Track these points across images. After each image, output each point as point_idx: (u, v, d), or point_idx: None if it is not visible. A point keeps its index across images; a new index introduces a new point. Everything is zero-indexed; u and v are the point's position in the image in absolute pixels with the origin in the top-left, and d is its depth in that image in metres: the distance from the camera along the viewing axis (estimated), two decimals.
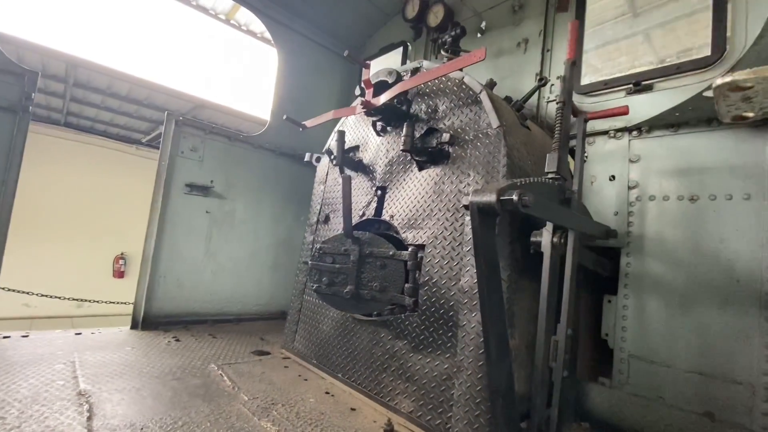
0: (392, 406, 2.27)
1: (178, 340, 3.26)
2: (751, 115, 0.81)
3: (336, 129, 3.26)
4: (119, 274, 11.65)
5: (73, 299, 9.09)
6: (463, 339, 2.04)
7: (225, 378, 2.57)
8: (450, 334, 2.12)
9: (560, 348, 1.85)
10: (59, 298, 8.79)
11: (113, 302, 9.79)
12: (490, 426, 1.80)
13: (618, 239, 2.47)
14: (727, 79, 0.72)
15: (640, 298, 2.40)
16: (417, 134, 2.56)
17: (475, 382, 1.92)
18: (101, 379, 2.36)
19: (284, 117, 3.16)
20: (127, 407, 2.06)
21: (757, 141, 2.12)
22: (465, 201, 1.62)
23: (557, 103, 2.06)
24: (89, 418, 1.91)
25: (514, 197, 1.45)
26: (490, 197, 1.51)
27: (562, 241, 1.93)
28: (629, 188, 2.51)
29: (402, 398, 2.25)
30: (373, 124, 2.90)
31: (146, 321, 3.51)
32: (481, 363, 1.92)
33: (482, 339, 1.93)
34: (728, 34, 2.19)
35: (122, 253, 11.71)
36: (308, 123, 3.16)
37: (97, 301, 9.58)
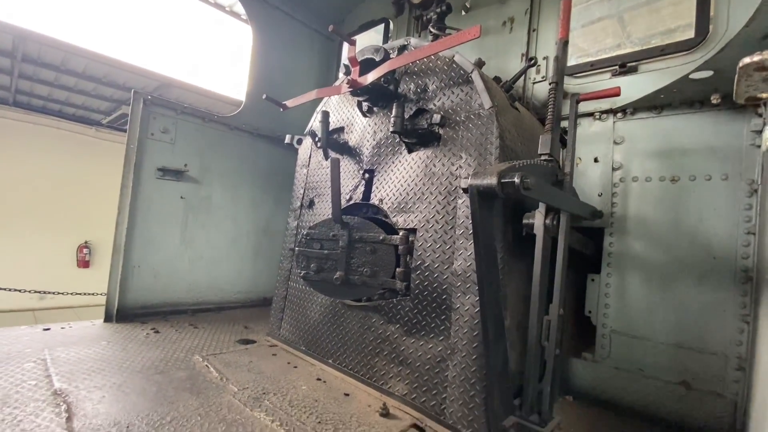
0: (386, 390, 2.28)
1: (157, 332, 3.12)
2: (764, 95, 0.81)
3: (318, 109, 3.13)
4: (84, 263, 11.07)
5: (35, 291, 8.57)
6: (456, 321, 2.05)
7: (211, 369, 2.49)
8: (443, 317, 2.12)
9: (553, 327, 1.89)
10: (18, 290, 8.26)
11: (79, 293, 9.32)
12: (485, 404, 1.83)
13: (602, 220, 2.53)
14: (756, 58, 0.72)
15: (622, 276, 2.49)
16: (406, 115, 2.49)
17: (469, 363, 1.94)
18: (77, 377, 2.22)
19: (264, 96, 3.00)
20: (109, 405, 1.95)
21: (737, 123, 2.19)
22: (464, 184, 1.60)
23: (550, 84, 2.04)
24: (68, 419, 1.80)
25: (516, 180, 1.43)
26: (491, 180, 1.49)
27: (555, 222, 1.95)
28: (613, 170, 2.57)
29: (396, 382, 2.26)
30: (359, 105, 2.80)
31: (121, 313, 3.34)
32: (475, 344, 1.94)
33: (476, 321, 1.95)
34: (711, 14, 2.22)
35: (86, 242, 11.10)
36: (289, 103, 3.02)
37: (62, 293, 9.09)
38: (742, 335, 2.09)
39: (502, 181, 1.47)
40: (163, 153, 3.59)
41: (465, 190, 1.59)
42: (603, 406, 2.45)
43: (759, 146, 2.10)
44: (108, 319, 3.32)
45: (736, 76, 0.79)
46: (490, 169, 1.54)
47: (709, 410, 2.14)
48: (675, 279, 2.30)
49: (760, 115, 2.11)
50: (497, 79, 2.63)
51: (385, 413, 2.06)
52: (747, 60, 0.73)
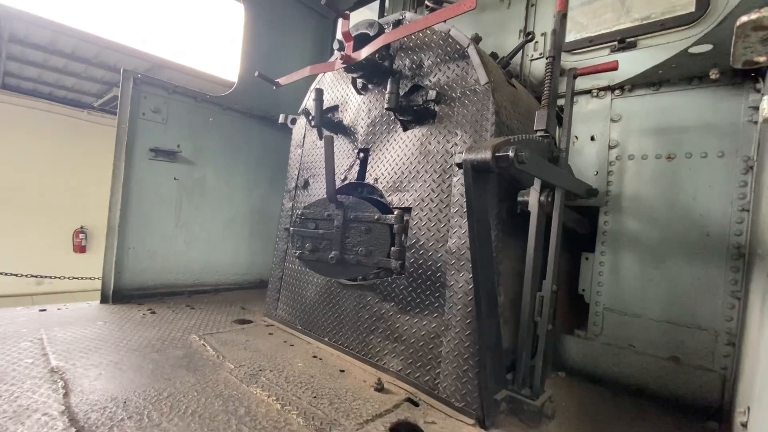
0: (381, 366, 2.31)
1: (153, 313, 3.14)
2: (762, 59, 0.79)
3: (312, 88, 3.07)
4: (80, 249, 11.04)
5: (32, 276, 8.57)
6: (450, 298, 2.06)
7: (208, 347, 2.51)
8: (437, 294, 2.13)
9: (545, 303, 1.90)
10: (15, 275, 8.26)
11: (76, 278, 9.33)
12: (478, 379, 1.86)
13: (597, 198, 2.52)
14: (753, 16, 0.69)
15: (616, 254, 2.50)
16: (401, 92, 2.44)
17: (463, 339, 1.96)
18: (74, 355, 2.24)
19: (256, 74, 2.94)
20: (106, 382, 1.97)
21: (735, 99, 2.17)
22: (458, 159, 1.58)
23: (546, 59, 2.00)
24: (66, 395, 1.81)
25: (510, 153, 1.42)
26: (485, 154, 1.47)
27: (549, 199, 1.94)
28: (610, 148, 2.55)
29: (390, 358, 2.28)
30: (353, 82, 2.75)
31: (117, 294, 3.34)
32: (468, 321, 1.96)
33: (470, 298, 1.96)
34: None
35: (82, 227, 11.05)
36: (282, 80, 2.96)
37: (59, 277, 9.10)
38: (733, 311, 2.12)
39: (497, 155, 1.45)
40: (156, 133, 3.53)
41: (459, 165, 1.58)
42: (594, 382, 2.50)
43: (756, 122, 2.08)
44: (104, 300, 3.33)
45: (734, 37, 0.77)
46: (485, 144, 1.52)
47: (698, 384, 2.19)
48: (668, 256, 2.31)
49: (758, 91, 2.08)
50: (494, 56, 2.58)
51: (380, 388, 2.09)
52: (744, 18, 0.71)
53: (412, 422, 1.83)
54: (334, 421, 1.78)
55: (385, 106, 2.27)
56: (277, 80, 3.00)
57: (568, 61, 2.68)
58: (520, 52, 3.03)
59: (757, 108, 2.08)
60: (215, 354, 2.43)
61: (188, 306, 3.42)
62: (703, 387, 2.17)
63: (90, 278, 9.54)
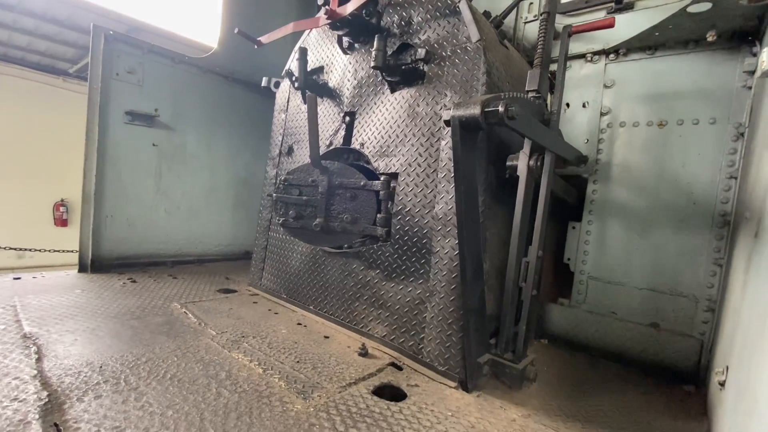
0: (366, 332, 2.30)
1: (134, 282, 3.06)
2: None
3: (297, 47, 2.91)
4: (62, 222, 10.74)
5: (11, 248, 8.35)
6: (436, 265, 2.03)
7: (190, 315, 2.47)
8: (423, 261, 2.10)
9: (531, 269, 1.88)
10: None
11: (58, 251, 9.13)
12: (461, 343, 1.85)
13: (586, 167, 2.48)
14: None
15: (603, 223, 2.49)
16: (389, 51, 2.33)
17: (447, 304, 1.95)
18: (48, 322, 2.17)
19: (236, 30, 2.76)
20: (82, 347, 1.91)
21: (730, 64, 2.11)
22: (446, 116, 1.50)
23: (541, 15, 1.90)
24: (38, 360, 1.75)
25: (501, 108, 1.35)
26: (474, 110, 1.40)
27: (539, 164, 1.89)
28: (601, 114, 2.49)
29: (375, 324, 2.27)
30: (339, 41, 2.61)
31: (96, 263, 3.25)
32: (453, 286, 1.93)
33: (455, 263, 1.92)
34: None
35: (63, 200, 10.72)
36: (264, 38, 2.79)
37: (40, 250, 8.89)
38: (714, 278, 2.14)
39: (486, 110, 1.38)
40: (131, 96, 3.35)
41: (447, 123, 1.50)
42: (577, 348, 2.54)
43: (750, 88, 2.04)
44: (82, 269, 3.24)
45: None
46: (474, 99, 1.45)
47: (676, 349, 2.23)
48: (654, 225, 2.31)
49: (754, 55, 2.03)
50: (487, 14, 2.45)
51: (364, 353, 2.08)
52: None
53: (395, 385, 1.83)
54: (316, 384, 1.77)
55: (371, 64, 2.15)
56: (258, 39, 2.83)
57: (563, 23, 2.57)
58: (514, 14, 2.90)
59: (752, 73, 2.03)
60: (197, 321, 2.38)
61: (171, 276, 3.35)
62: (681, 352, 2.22)
63: (73, 251, 9.33)
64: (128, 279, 3.11)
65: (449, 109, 1.50)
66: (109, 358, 1.83)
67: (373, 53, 2.14)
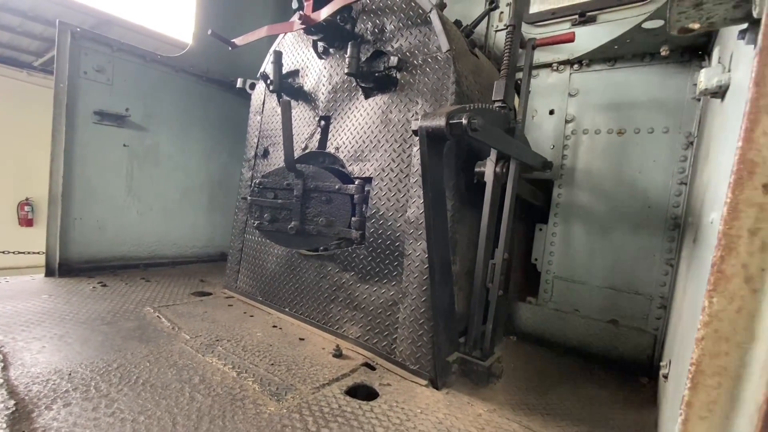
0: (340, 334, 2.34)
1: (104, 286, 3.00)
2: (696, 26, 0.82)
3: (272, 50, 2.92)
4: (26, 222, 10.28)
5: None
6: (408, 267, 2.10)
7: (163, 319, 2.45)
8: (396, 263, 2.16)
9: (497, 270, 1.97)
10: None
11: (23, 253, 8.73)
12: (432, 342, 1.93)
13: (552, 172, 2.60)
14: None
15: (567, 226, 2.62)
16: (363, 57, 2.37)
17: (419, 305, 2.02)
18: (14, 329, 2.11)
19: (209, 32, 2.74)
20: (50, 355, 1.88)
21: (681, 77, 2.26)
22: (414, 126, 1.56)
23: (507, 27, 1.99)
24: (4, 368, 1.72)
25: (464, 121, 1.42)
26: (440, 121, 1.47)
27: (504, 170, 1.98)
28: (566, 122, 2.61)
29: (350, 326, 2.32)
30: (314, 45, 2.63)
31: (64, 267, 3.16)
32: (425, 288, 2.00)
33: (426, 266, 1.99)
34: None
35: (27, 199, 10.25)
36: (238, 40, 2.78)
37: (4, 252, 8.48)
38: (666, 277, 2.29)
39: (451, 122, 1.45)
40: (100, 95, 3.26)
41: (415, 132, 1.56)
42: (543, 345, 2.67)
43: (699, 100, 2.19)
44: (50, 273, 3.14)
45: (669, 2, 0.78)
46: (440, 111, 1.51)
47: (633, 344, 2.38)
48: (613, 228, 2.45)
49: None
50: (458, 23, 2.53)
51: (338, 354, 2.13)
52: None
53: (368, 385, 1.89)
54: (290, 386, 1.80)
55: (345, 71, 2.19)
56: (232, 40, 2.82)
57: (531, 33, 2.68)
58: (486, 23, 2.99)
59: None
60: (170, 325, 2.37)
61: (143, 279, 3.30)
62: (638, 346, 2.37)
63: (39, 253, 8.95)
64: (98, 283, 3.05)
65: (417, 119, 1.56)
66: (78, 365, 1.81)
67: (347, 60, 2.18)
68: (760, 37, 0.53)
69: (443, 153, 1.67)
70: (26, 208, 10.29)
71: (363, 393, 1.83)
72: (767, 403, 0.48)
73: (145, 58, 3.51)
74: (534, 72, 2.73)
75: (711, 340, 0.54)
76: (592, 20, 2.48)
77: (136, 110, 3.47)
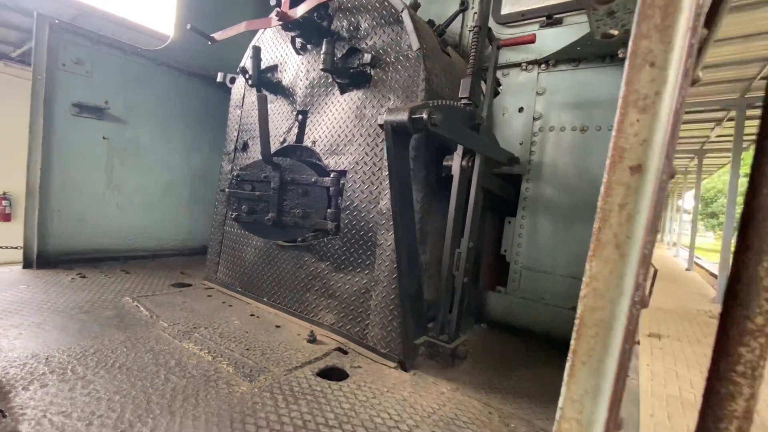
0: (316, 321, 2.43)
1: (83, 277, 3.02)
2: (615, 32, 0.92)
3: (251, 45, 2.97)
4: (4, 216, 10.08)
5: None
6: (380, 256, 2.19)
7: (142, 308, 2.50)
8: (369, 253, 2.26)
9: (462, 258, 2.08)
10: None
11: (1, 247, 8.55)
12: (401, 327, 2.03)
13: (521, 167, 2.73)
14: None
15: (534, 218, 2.75)
16: (339, 54, 2.45)
17: (389, 292, 2.12)
18: None
19: (188, 26, 2.78)
20: (27, 341, 1.93)
21: None
22: (380, 120, 1.66)
23: (473, 28, 2.09)
24: None
25: (424, 116, 1.51)
26: (403, 116, 1.56)
27: (470, 164, 2.09)
28: (534, 119, 2.74)
29: (325, 313, 2.41)
30: (292, 41, 2.69)
31: (42, 259, 3.17)
32: (395, 275, 2.10)
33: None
34: None
35: (5, 193, 10.04)
36: (218, 35, 2.83)
37: None
38: None
39: (413, 117, 1.55)
40: (79, 87, 3.27)
41: (381, 126, 1.66)
42: (512, 332, 2.80)
43: None
44: (27, 265, 3.15)
45: (588, 11, 0.89)
46: (404, 107, 1.61)
47: None
48: (576, 220, 2.59)
49: None
50: (431, 23, 2.63)
51: (313, 339, 2.22)
52: None
53: (339, 367, 1.99)
54: (263, 368, 1.89)
55: (320, 67, 2.27)
56: (212, 35, 2.86)
57: (502, 33, 2.80)
58: (460, 22, 3.10)
59: None
60: (149, 314, 2.42)
61: (123, 271, 3.33)
62: None
63: (17, 248, 8.78)
64: (77, 274, 3.07)
65: (383, 114, 1.66)
66: (55, 351, 1.86)
67: (322, 56, 2.26)
68: (630, 43, 0.64)
69: (409, 147, 1.77)
70: (3, 202, 10.08)
71: (334, 375, 1.92)
72: (623, 344, 0.59)
73: (125, 50, 3.51)
74: (506, 71, 2.85)
75: (590, 298, 0.65)
76: (558, 23, 2.60)
77: (115, 103, 3.48)
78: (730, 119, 13.62)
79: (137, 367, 1.80)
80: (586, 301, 0.65)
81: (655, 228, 0.61)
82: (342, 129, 2.43)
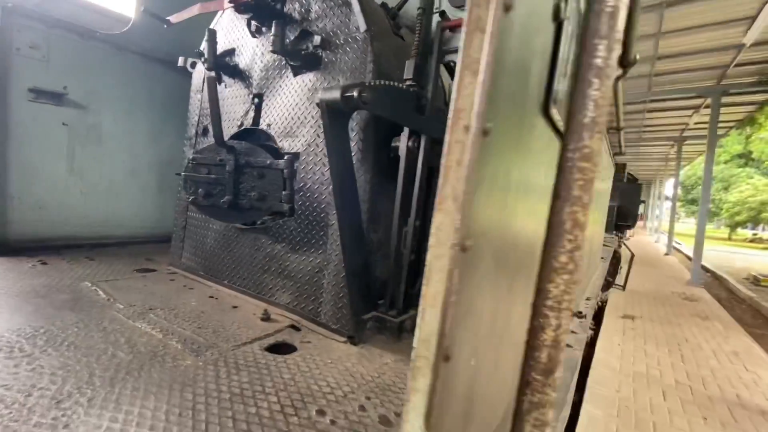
0: (273, 301, 2.49)
1: (45, 264, 3.02)
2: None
3: (207, 28, 2.95)
4: None
5: None
6: (332, 236, 2.25)
7: (100, 292, 2.52)
8: (322, 233, 2.31)
9: (408, 236, 2.15)
10: None
11: None
12: (350, 303, 2.10)
13: None
14: None
15: None
16: (292, 36, 2.46)
17: (340, 271, 2.18)
18: None
19: (141, 9, 2.75)
20: None
21: None
22: (317, 99, 1.69)
23: (418, 10, 2.12)
24: None
25: (355, 94, 1.55)
26: (335, 94, 1.60)
27: (416, 144, 2.14)
28: None
29: (281, 293, 2.46)
30: (248, 24, 2.69)
31: (2, 247, 3.15)
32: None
33: None
34: None
35: None
36: (173, 18, 2.81)
37: None
38: None
39: (345, 95, 1.59)
40: (35, 72, 3.21)
41: (318, 105, 1.69)
42: None
43: None
44: None
45: None
46: (337, 85, 1.64)
47: None
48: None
49: None
50: (385, 5, 2.64)
51: (266, 318, 2.28)
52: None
53: (289, 343, 2.05)
54: (212, 344, 1.94)
55: (269, 49, 2.28)
56: (167, 18, 2.84)
57: (456, 16, 2.83)
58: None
59: None
60: (106, 297, 2.45)
61: (88, 258, 3.32)
62: None
63: None
64: (39, 261, 3.06)
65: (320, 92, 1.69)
66: (5, 331, 1.88)
67: (271, 38, 2.27)
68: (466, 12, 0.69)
69: (347, 126, 1.81)
70: None
71: (282, 349, 1.98)
72: (448, 283, 0.66)
73: (83, 35, 3.45)
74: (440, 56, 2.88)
75: (435, 247, 0.71)
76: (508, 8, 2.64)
77: (75, 88, 3.43)
78: (707, 106, 13.88)
79: (86, 345, 1.83)
80: (433, 250, 0.71)
81: (477, 182, 0.67)
82: (295, 112, 2.46)
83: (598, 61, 0.71)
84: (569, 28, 1.02)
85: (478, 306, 0.74)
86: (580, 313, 2.74)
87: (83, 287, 2.60)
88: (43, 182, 3.35)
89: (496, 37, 0.68)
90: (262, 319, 2.27)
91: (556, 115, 1.01)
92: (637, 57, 2.24)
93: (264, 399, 1.51)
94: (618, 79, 2.49)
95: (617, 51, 0.71)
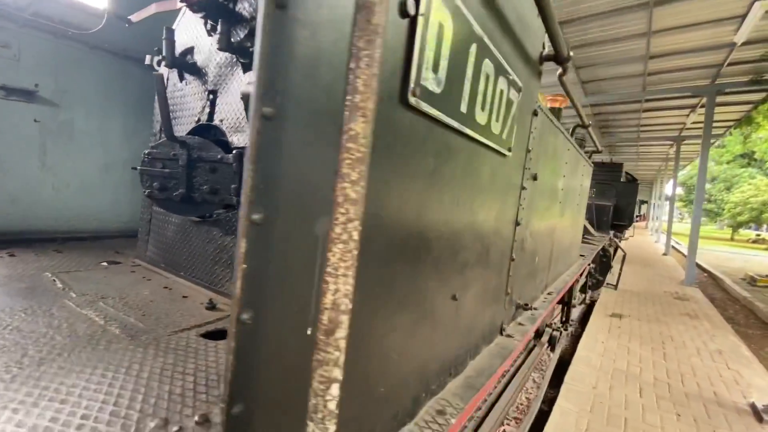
0: (222, 292, 2.56)
1: (12, 256, 3.11)
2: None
3: (165, 27, 3.03)
4: None
5: None
6: None
7: (58, 282, 2.60)
8: None
9: None
10: None
11: None
12: None
13: None
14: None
15: None
16: (242, 34, 2.53)
17: None
18: None
19: (103, 8, 2.83)
20: None
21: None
22: (241, 92, 1.76)
23: None
24: None
25: None
26: (251, 88, 1.66)
27: None
28: None
29: (229, 283, 2.53)
30: (204, 23, 2.76)
31: None
32: None
33: None
34: None
35: None
36: (133, 17, 2.89)
37: None
38: None
39: None
40: (5, 70, 3.31)
41: (242, 98, 1.76)
42: None
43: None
44: None
45: None
46: None
47: None
48: None
49: None
50: None
51: (212, 307, 2.35)
52: None
53: (227, 329, 2.12)
54: (151, 330, 2.01)
55: (216, 47, 2.35)
56: (129, 17, 2.92)
57: None
58: None
59: None
60: (62, 287, 2.53)
61: (56, 251, 3.42)
62: None
63: None
64: (7, 253, 3.15)
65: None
66: None
67: (217, 36, 2.34)
68: None
69: None
70: None
71: (218, 336, 2.05)
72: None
73: (55, 34, 3.55)
74: None
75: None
76: None
77: (46, 86, 3.53)
78: (703, 105, 13.81)
79: (28, 329, 1.91)
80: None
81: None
82: (243, 107, 2.52)
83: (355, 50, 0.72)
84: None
85: (275, 274, 0.81)
86: (527, 305, 2.79)
87: (43, 278, 2.68)
88: (15, 178, 3.45)
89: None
90: (207, 308, 2.34)
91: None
92: (571, 54, 2.30)
93: (181, 379, 1.58)
94: (561, 76, 2.54)
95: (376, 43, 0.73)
